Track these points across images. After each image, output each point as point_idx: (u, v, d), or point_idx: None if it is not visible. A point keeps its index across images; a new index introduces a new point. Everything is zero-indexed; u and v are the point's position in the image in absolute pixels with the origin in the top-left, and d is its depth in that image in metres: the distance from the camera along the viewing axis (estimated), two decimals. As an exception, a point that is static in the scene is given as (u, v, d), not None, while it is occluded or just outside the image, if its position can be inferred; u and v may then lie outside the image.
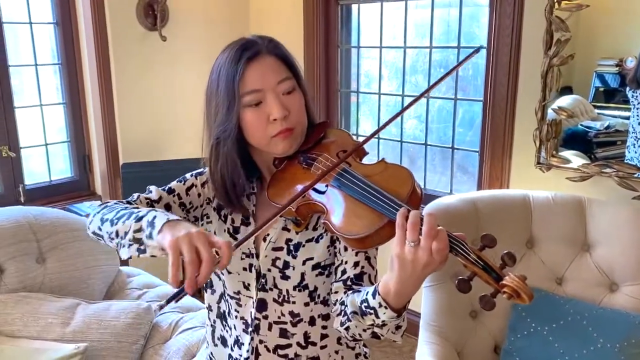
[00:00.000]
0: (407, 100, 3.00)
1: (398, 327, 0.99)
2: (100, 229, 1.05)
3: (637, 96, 2.14)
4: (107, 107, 2.88)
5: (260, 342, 1.17)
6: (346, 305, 1.04)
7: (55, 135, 2.97)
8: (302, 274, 1.11)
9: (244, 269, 1.15)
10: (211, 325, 1.25)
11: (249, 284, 1.15)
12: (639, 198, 2.10)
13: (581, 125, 2.33)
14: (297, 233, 1.12)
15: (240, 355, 1.19)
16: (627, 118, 2.18)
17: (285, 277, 1.12)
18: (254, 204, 1.17)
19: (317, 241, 1.12)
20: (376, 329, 0.99)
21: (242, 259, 1.14)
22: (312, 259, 1.11)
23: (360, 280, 1.07)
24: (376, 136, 3.05)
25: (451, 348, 1.90)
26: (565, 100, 2.32)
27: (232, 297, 1.18)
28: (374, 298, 0.96)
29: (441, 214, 1.98)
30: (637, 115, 2.13)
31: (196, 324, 1.82)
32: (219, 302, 1.22)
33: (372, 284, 1.08)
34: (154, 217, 0.95)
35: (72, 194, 2.99)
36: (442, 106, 2.91)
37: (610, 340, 1.77)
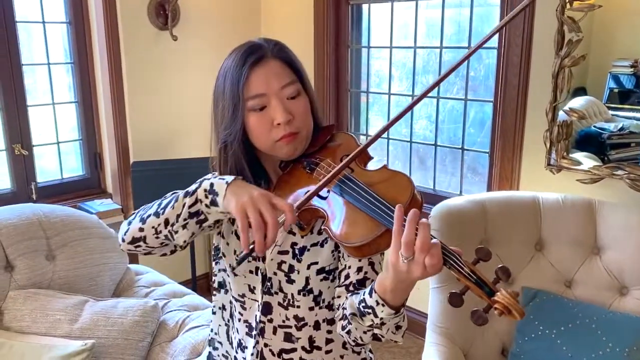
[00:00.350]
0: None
1: (398, 327, 0.98)
2: (142, 230, 1.07)
3: (651, 97, 2.11)
4: (118, 106, 2.91)
5: (265, 345, 1.17)
6: (345, 308, 1.04)
7: (67, 133, 3.00)
8: (307, 278, 1.11)
9: (250, 271, 1.15)
10: (225, 324, 1.26)
11: (254, 287, 1.16)
12: (651, 201, 2.08)
13: (594, 126, 2.30)
14: (302, 237, 1.12)
15: (244, 359, 1.19)
16: (641, 120, 2.15)
17: (290, 281, 1.12)
18: None
19: (322, 245, 1.11)
20: (376, 330, 0.98)
21: (248, 261, 1.15)
22: (316, 263, 1.11)
23: (362, 286, 1.07)
24: (385, 137, 3.05)
25: (458, 350, 1.89)
26: (578, 102, 2.30)
27: (237, 300, 1.18)
28: (371, 297, 0.96)
29: (449, 216, 1.97)
30: (651, 117, 2.11)
31: (202, 323, 1.82)
32: (230, 302, 1.23)
33: None
34: (212, 185, 0.99)
35: (83, 191, 3.02)
36: (453, 107, 2.90)
37: (620, 344, 1.75)
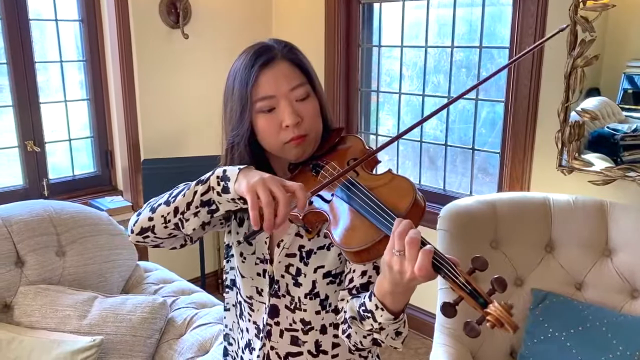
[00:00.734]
0: (428, 100, 2.97)
1: (398, 334, 0.97)
2: (151, 220, 1.07)
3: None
4: (129, 104, 2.92)
5: (272, 348, 1.16)
6: (346, 311, 1.03)
7: (78, 130, 3.02)
8: (314, 282, 1.11)
9: (258, 274, 1.15)
10: (238, 322, 1.26)
11: (262, 290, 1.16)
12: (664, 203, 2.05)
13: (608, 127, 2.27)
14: (309, 240, 1.11)
15: None
16: (655, 121, 2.13)
17: (297, 284, 1.12)
18: None
19: (328, 249, 1.11)
20: (375, 335, 0.97)
21: (256, 264, 1.15)
22: (323, 267, 1.10)
23: (366, 290, 1.06)
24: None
25: (466, 351, 1.88)
26: (591, 102, 2.27)
27: (245, 301, 1.19)
28: (370, 300, 0.94)
29: (458, 216, 1.96)
30: (665, 118, 2.08)
31: (210, 320, 1.83)
32: (240, 302, 1.23)
33: None
34: (224, 171, 0.98)
35: (94, 188, 3.04)
36: (464, 107, 2.88)
37: (631, 347, 1.73)
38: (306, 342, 1.15)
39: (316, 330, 1.14)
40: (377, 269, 1.08)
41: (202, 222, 1.03)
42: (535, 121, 2.40)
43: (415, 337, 2.95)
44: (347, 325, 1.02)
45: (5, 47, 2.65)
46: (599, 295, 1.89)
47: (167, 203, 1.05)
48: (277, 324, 1.15)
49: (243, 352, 1.22)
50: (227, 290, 1.26)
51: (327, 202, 1.00)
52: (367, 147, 1.11)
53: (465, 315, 0.83)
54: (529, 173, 2.45)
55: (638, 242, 1.85)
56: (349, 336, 1.03)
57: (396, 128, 3.10)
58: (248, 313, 1.19)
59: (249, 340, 1.20)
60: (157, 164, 2.83)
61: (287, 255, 1.12)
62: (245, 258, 1.17)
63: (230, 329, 1.28)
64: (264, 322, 1.16)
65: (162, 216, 1.05)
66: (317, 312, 1.13)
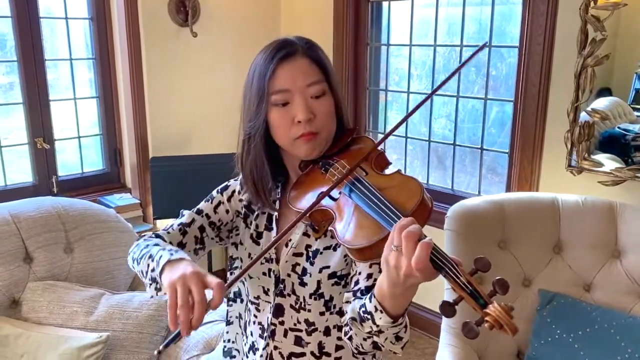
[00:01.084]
0: (436, 99, 2.96)
1: (398, 338, 0.95)
2: (133, 268, 1.11)
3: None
4: (138, 102, 2.93)
5: (275, 348, 1.17)
6: (348, 312, 1.02)
7: (88, 128, 3.04)
8: (319, 282, 1.11)
9: (264, 273, 1.16)
10: (242, 333, 1.26)
11: (268, 289, 1.16)
12: (675, 204, 2.03)
13: (619, 128, 2.25)
14: (316, 239, 1.12)
15: None
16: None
17: (302, 284, 1.12)
18: (278, 209, 1.18)
19: (334, 249, 1.11)
20: (375, 338, 0.96)
21: (262, 263, 1.15)
22: (328, 267, 1.10)
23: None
24: (403, 135, 3.03)
25: (472, 352, 1.87)
26: (602, 102, 2.25)
27: (252, 303, 1.19)
28: (370, 302, 0.93)
29: (465, 216, 1.95)
30: (676, 119, 2.05)
31: (216, 318, 1.83)
32: (246, 309, 1.24)
33: None
34: (160, 257, 0.98)
35: (102, 186, 3.06)
36: (474, 106, 2.86)
37: (639, 350, 1.71)
38: (309, 343, 1.15)
39: (320, 331, 1.14)
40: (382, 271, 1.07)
41: (155, 293, 1.04)
42: (545, 121, 2.38)
43: (422, 337, 2.94)
44: (349, 327, 1.02)
45: (16, 44, 2.67)
46: (607, 297, 1.87)
47: (137, 262, 1.07)
48: (282, 323, 1.16)
49: (247, 356, 1.22)
50: (230, 303, 1.26)
51: (334, 200, 1.00)
52: (379, 149, 1.11)
53: (466, 316, 0.82)
54: (538, 173, 2.43)
55: (648, 244, 1.83)
56: (350, 338, 1.03)
57: (404, 127, 3.09)
58: (254, 315, 1.19)
59: (253, 342, 1.20)
60: (164, 162, 2.84)
61: (294, 255, 1.13)
62: (252, 258, 1.18)
63: (233, 342, 1.28)
64: (269, 322, 1.16)
65: (137, 271, 1.08)
66: (322, 313, 1.13)
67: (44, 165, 2.84)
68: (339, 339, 1.15)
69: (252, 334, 1.20)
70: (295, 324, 1.15)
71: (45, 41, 2.77)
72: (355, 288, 1.06)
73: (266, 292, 1.16)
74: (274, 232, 1.17)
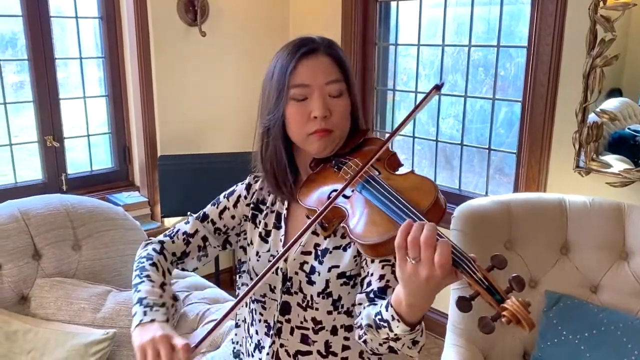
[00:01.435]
0: (444, 99, 2.95)
1: (415, 343, 0.94)
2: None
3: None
4: (147, 101, 2.95)
5: (281, 346, 1.17)
6: (362, 318, 1.02)
7: (97, 126, 3.06)
8: (327, 281, 1.11)
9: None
10: (249, 336, 1.27)
11: (274, 287, 1.16)
12: (684, 206, 2.01)
13: (629, 129, 2.24)
14: (325, 238, 1.12)
15: (260, 359, 1.19)
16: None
17: (310, 282, 1.13)
18: (287, 207, 1.19)
19: (344, 250, 1.11)
20: (391, 343, 0.96)
21: (269, 260, 1.16)
22: (337, 267, 1.11)
23: (383, 294, 1.04)
24: (411, 135, 3.02)
25: (478, 352, 1.87)
26: (612, 103, 2.24)
27: (258, 301, 1.20)
28: (387, 310, 0.92)
29: (472, 216, 1.95)
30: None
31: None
32: (251, 310, 1.25)
33: None
34: (135, 313, 1.04)
35: (111, 184, 3.08)
36: (482, 106, 2.85)
37: (646, 352, 1.70)
38: (316, 341, 1.15)
39: (327, 330, 1.14)
40: (394, 273, 1.06)
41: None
42: (553, 121, 2.37)
43: (427, 337, 2.93)
44: (363, 331, 1.01)
45: (26, 43, 2.70)
46: (614, 299, 1.86)
47: (134, 286, 1.13)
48: (288, 321, 1.16)
49: (252, 356, 1.23)
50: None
51: (347, 197, 1.01)
52: (391, 150, 1.12)
53: (479, 313, 0.82)
54: (546, 174, 2.42)
55: (656, 246, 1.82)
56: (365, 342, 1.02)
57: (412, 127, 3.09)
58: (260, 313, 1.19)
59: (259, 340, 1.20)
60: (173, 161, 2.86)
61: (303, 253, 1.13)
62: (260, 256, 1.19)
63: (241, 345, 1.29)
64: (275, 319, 1.16)
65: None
66: (329, 312, 1.13)
67: (53, 163, 2.87)
68: (346, 339, 1.15)
69: (257, 333, 1.21)
70: (302, 322, 1.15)
71: (56, 40, 2.80)
72: (368, 289, 1.06)
73: (272, 290, 1.17)
74: (282, 231, 1.18)
